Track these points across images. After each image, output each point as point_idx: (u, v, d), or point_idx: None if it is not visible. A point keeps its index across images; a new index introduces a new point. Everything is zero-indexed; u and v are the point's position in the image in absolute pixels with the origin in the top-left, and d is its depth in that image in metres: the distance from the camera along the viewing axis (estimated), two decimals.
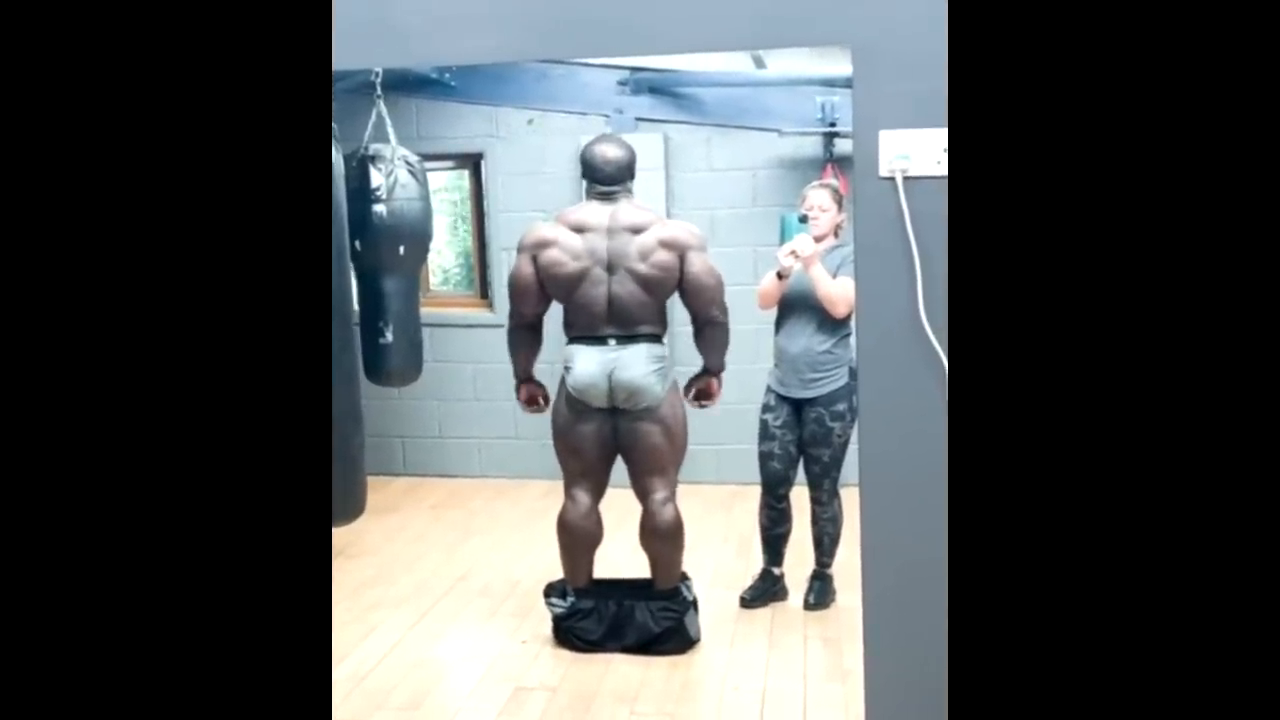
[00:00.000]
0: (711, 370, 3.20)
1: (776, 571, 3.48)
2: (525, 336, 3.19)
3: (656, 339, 3.08)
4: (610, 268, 3.03)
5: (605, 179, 3.06)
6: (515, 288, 3.14)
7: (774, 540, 3.47)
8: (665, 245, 3.03)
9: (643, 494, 3.16)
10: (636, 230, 3.03)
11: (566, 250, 3.04)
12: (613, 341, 3.04)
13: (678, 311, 3.16)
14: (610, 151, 3.10)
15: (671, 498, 3.15)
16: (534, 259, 3.08)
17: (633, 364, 3.03)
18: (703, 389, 3.22)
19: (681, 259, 3.04)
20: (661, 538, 3.15)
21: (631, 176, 3.11)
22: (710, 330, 3.13)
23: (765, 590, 3.46)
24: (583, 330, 3.07)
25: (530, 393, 3.25)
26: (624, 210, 3.06)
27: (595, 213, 3.06)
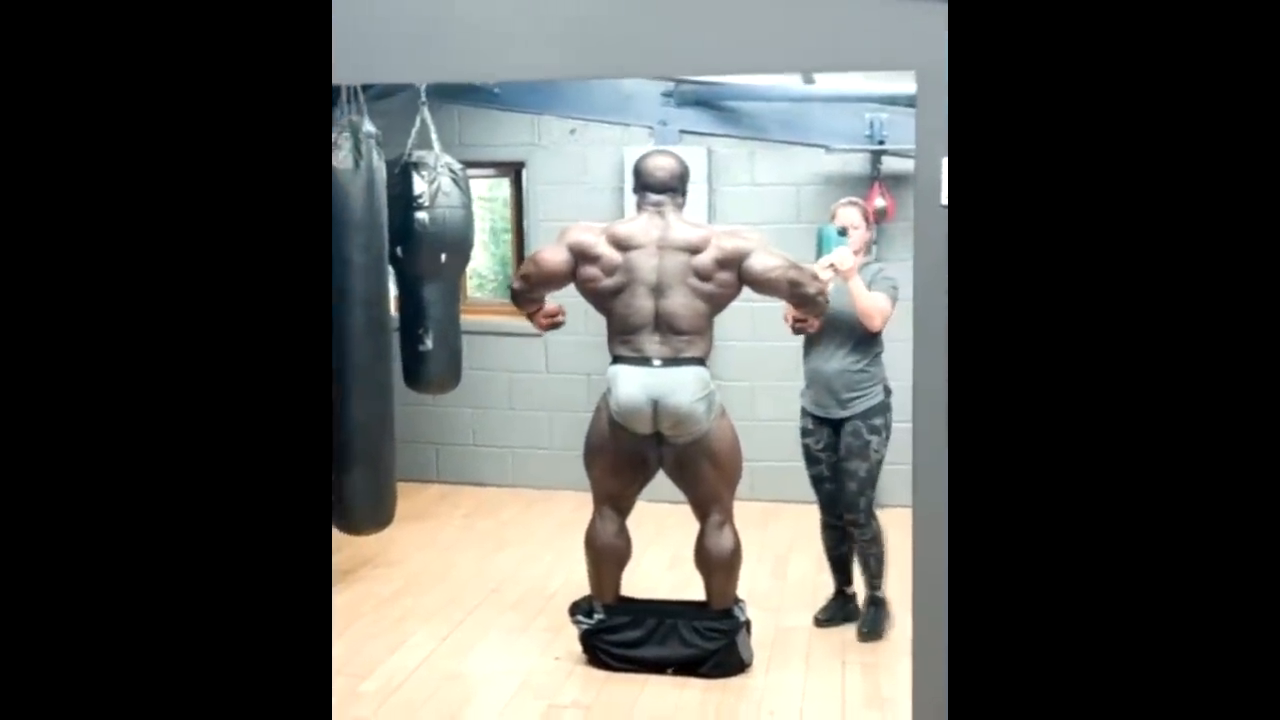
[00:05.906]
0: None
1: (849, 591, 3.44)
2: (527, 300, 3.19)
3: (701, 362, 3.02)
4: (659, 287, 2.98)
5: (655, 186, 3.04)
6: (534, 269, 3.13)
7: (840, 559, 3.43)
8: (723, 264, 2.98)
9: (699, 517, 3.13)
10: (694, 250, 2.99)
11: (604, 267, 3.01)
12: (657, 362, 2.98)
13: (722, 330, 3.12)
14: (661, 160, 3.10)
15: (727, 521, 3.11)
16: (572, 261, 3.04)
17: (679, 389, 2.97)
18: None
19: (739, 269, 2.99)
20: (715, 562, 3.11)
21: (683, 189, 3.08)
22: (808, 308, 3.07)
23: (839, 610, 3.42)
24: (625, 348, 3.01)
25: (547, 314, 3.21)
26: (676, 227, 3.01)
27: (644, 228, 3.02)
